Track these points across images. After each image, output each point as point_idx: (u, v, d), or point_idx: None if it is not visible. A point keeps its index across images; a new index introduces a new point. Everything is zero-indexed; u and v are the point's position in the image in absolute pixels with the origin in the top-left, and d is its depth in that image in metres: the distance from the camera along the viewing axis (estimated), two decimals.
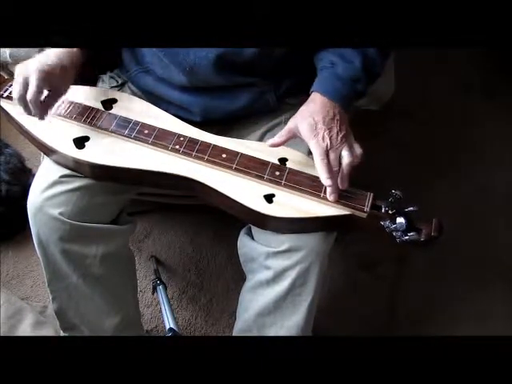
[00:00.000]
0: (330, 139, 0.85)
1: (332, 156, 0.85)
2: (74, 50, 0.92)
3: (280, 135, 0.89)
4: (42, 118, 0.91)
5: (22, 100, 0.88)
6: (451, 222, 0.89)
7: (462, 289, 1.45)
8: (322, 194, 0.87)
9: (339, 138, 0.85)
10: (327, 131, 0.85)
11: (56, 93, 0.92)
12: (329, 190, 0.86)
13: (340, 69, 0.90)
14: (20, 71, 0.88)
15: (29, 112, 0.90)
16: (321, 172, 0.84)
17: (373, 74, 0.93)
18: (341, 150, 0.85)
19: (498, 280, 1.47)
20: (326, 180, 0.84)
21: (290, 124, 0.88)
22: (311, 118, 0.86)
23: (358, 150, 0.87)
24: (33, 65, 0.87)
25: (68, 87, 0.93)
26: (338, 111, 0.88)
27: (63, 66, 0.90)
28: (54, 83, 0.89)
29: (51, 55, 0.90)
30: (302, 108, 0.89)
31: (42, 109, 0.90)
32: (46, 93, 0.90)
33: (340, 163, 0.85)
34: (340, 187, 0.86)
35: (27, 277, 1.44)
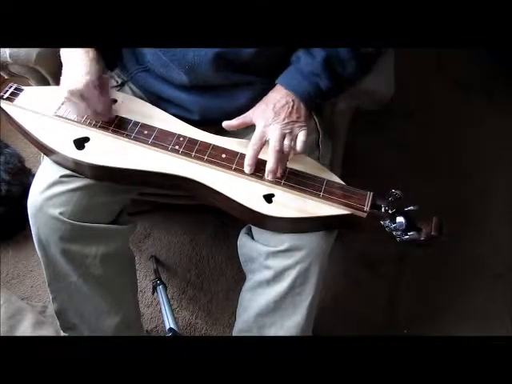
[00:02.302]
0: (274, 123, 0.88)
1: (272, 137, 0.87)
2: (97, 59, 0.93)
3: (237, 119, 0.93)
4: (110, 117, 0.95)
5: (95, 115, 0.92)
6: (451, 221, 0.89)
7: (462, 289, 1.45)
8: (321, 194, 0.87)
9: (284, 123, 0.88)
10: (273, 116, 0.88)
11: (104, 89, 0.93)
12: (266, 168, 0.87)
13: (302, 62, 0.93)
14: (71, 95, 0.89)
15: (99, 119, 0.94)
16: (246, 157, 0.89)
17: (339, 73, 0.93)
18: (283, 134, 0.87)
19: (498, 280, 1.47)
20: (246, 166, 0.89)
21: (249, 111, 0.92)
22: (264, 104, 0.91)
23: (301, 137, 0.88)
24: (78, 82, 0.88)
25: (109, 88, 0.95)
26: (292, 100, 0.90)
27: (99, 76, 0.91)
28: (99, 85, 0.91)
29: (86, 73, 0.89)
30: (264, 97, 0.93)
31: (108, 109, 0.94)
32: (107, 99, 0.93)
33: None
34: (267, 166, 0.87)
35: (27, 277, 1.44)
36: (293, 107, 0.90)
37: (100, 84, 0.90)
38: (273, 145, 0.86)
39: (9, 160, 1.48)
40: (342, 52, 0.92)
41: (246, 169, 0.89)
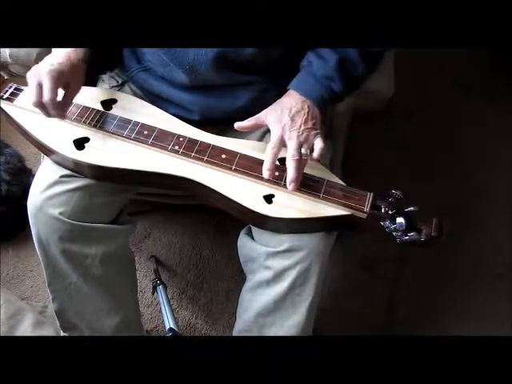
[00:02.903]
0: (291, 130, 0.87)
1: (289, 146, 0.86)
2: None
3: (249, 120, 0.91)
4: (62, 117, 0.92)
5: (40, 104, 0.88)
6: (451, 221, 0.89)
7: (462, 289, 1.45)
8: (321, 195, 0.87)
9: (301, 131, 0.87)
10: (290, 122, 0.87)
11: (71, 90, 0.92)
12: (287, 178, 0.85)
13: (314, 67, 0.92)
14: (31, 77, 0.88)
15: (48, 114, 0.90)
16: (265, 162, 0.87)
17: (351, 75, 0.93)
18: (300, 142, 0.86)
19: (498, 280, 1.47)
20: (264, 171, 0.86)
21: (262, 113, 0.91)
22: (280, 109, 0.90)
23: (319, 144, 0.87)
24: (43, 68, 0.87)
25: (81, 83, 0.94)
26: (308, 106, 0.90)
27: (72, 63, 0.90)
28: (66, 81, 0.90)
29: (59, 55, 0.90)
30: (277, 101, 0.92)
31: (60, 109, 0.90)
32: (61, 92, 0.90)
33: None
34: (288, 176, 0.85)
35: (27, 277, 1.44)
36: (308, 113, 0.89)
37: (63, 80, 0.88)
38: (291, 153, 0.85)
39: (9, 160, 1.48)
40: (352, 54, 0.92)
41: (266, 174, 0.86)
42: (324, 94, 0.92)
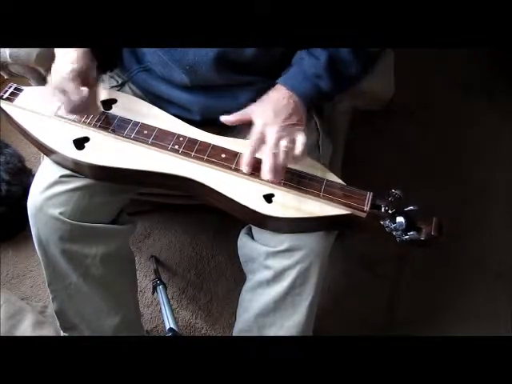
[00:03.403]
0: (273, 124, 0.86)
1: (269, 138, 0.85)
2: (88, 52, 0.92)
3: (235, 114, 0.91)
4: (97, 112, 0.93)
5: (75, 107, 0.89)
6: (451, 221, 0.89)
7: (462, 289, 1.45)
8: (321, 194, 0.87)
9: (283, 125, 0.86)
10: (273, 116, 0.87)
11: (93, 85, 0.91)
12: (262, 168, 0.85)
13: (305, 63, 0.92)
14: (51, 90, 0.88)
15: (86, 112, 0.92)
16: (244, 156, 0.87)
17: (341, 74, 0.93)
18: (281, 136, 0.85)
19: (498, 280, 1.47)
20: (244, 166, 0.87)
21: (248, 107, 0.91)
22: (264, 103, 0.90)
23: (301, 139, 0.85)
24: (60, 76, 0.87)
25: (97, 78, 0.93)
26: (293, 101, 0.89)
27: (86, 68, 0.90)
28: (85, 78, 0.89)
29: (71, 62, 0.89)
30: (264, 95, 0.92)
31: (92, 103, 0.91)
32: (85, 90, 0.89)
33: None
34: (263, 167, 0.85)
35: (27, 277, 1.44)
36: (293, 109, 0.89)
37: (82, 78, 0.88)
38: (269, 147, 0.85)
39: (9, 160, 1.48)
40: (345, 53, 0.92)
41: (244, 168, 0.87)
42: (312, 92, 0.92)
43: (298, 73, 0.93)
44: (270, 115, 0.87)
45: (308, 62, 0.92)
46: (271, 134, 0.85)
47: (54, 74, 0.88)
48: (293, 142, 0.85)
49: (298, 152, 0.85)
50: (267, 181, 0.86)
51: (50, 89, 0.89)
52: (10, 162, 1.47)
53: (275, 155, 0.84)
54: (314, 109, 1.07)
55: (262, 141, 0.86)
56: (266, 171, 0.84)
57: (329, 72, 0.91)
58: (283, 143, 0.84)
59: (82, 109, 0.90)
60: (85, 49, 0.90)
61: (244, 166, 0.87)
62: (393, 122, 1.77)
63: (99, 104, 0.94)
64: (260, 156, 0.87)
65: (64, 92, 0.87)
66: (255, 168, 0.89)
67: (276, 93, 0.91)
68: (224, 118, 0.91)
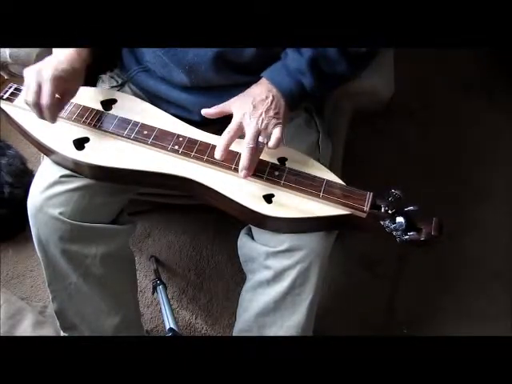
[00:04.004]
0: (251, 117, 0.86)
1: (247, 133, 0.85)
2: (83, 51, 0.92)
3: (215, 107, 0.91)
4: (54, 121, 0.91)
5: (37, 106, 0.87)
6: (451, 221, 0.89)
7: (462, 289, 1.45)
8: (321, 194, 0.87)
9: (260, 119, 0.86)
10: (251, 109, 0.87)
11: (68, 96, 0.91)
12: (240, 165, 0.86)
13: (289, 59, 0.92)
14: (31, 76, 0.87)
15: (41, 116, 0.89)
16: (219, 143, 0.87)
17: (325, 72, 0.93)
18: (258, 131, 0.86)
19: (497, 280, 1.47)
20: (217, 152, 0.86)
21: (229, 101, 0.91)
22: (244, 97, 0.90)
23: (276, 134, 0.86)
24: (46, 71, 0.86)
25: (78, 89, 0.93)
26: (273, 95, 0.89)
27: (75, 69, 0.90)
28: (66, 87, 0.89)
29: (63, 60, 0.89)
30: (247, 89, 0.92)
31: (53, 113, 0.89)
32: (57, 96, 0.89)
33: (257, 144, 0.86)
34: (241, 163, 0.85)
35: (27, 277, 1.44)
36: (272, 102, 0.89)
37: (64, 80, 0.87)
38: (247, 141, 0.85)
39: (11, 162, 1.46)
40: (331, 51, 0.91)
41: (218, 155, 0.87)
42: (293, 88, 0.91)
43: (281, 67, 0.92)
44: (247, 108, 0.87)
45: (292, 58, 0.92)
46: (249, 128, 0.86)
47: (43, 66, 0.88)
48: (269, 135, 0.86)
49: (272, 146, 0.86)
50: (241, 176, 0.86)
51: (29, 74, 0.87)
52: (12, 164, 1.46)
53: (252, 149, 0.84)
54: (313, 109, 1.07)
55: (238, 132, 0.87)
56: (241, 166, 0.85)
57: (312, 69, 0.91)
58: (260, 139, 0.85)
59: (40, 110, 0.88)
60: (79, 57, 0.90)
61: (217, 153, 0.86)
62: (393, 122, 1.77)
63: (58, 116, 0.92)
64: (234, 147, 0.88)
65: (39, 88, 0.86)
66: (256, 168, 0.89)
67: (258, 87, 0.91)
68: (204, 111, 0.91)
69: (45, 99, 0.86)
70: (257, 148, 0.86)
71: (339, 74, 0.95)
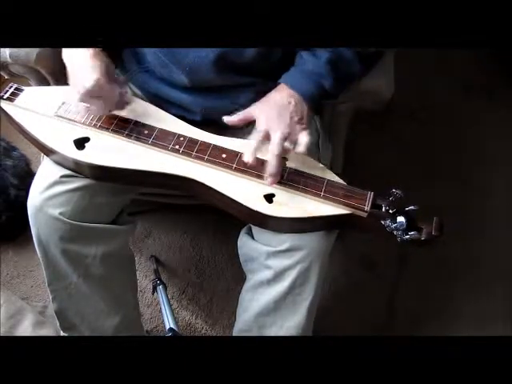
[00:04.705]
0: (276, 123, 0.86)
1: (273, 139, 0.85)
2: (103, 56, 0.91)
3: (237, 114, 0.91)
4: (123, 108, 0.93)
5: (116, 107, 0.91)
6: (451, 221, 0.89)
7: (462, 289, 1.45)
8: (322, 194, 0.87)
9: (286, 125, 0.86)
10: (276, 115, 0.87)
11: (116, 82, 0.92)
12: (267, 172, 0.86)
13: (306, 63, 0.93)
14: (86, 99, 0.88)
15: (120, 107, 0.93)
16: (247, 149, 0.86)
17: (343, 72, 0.93)
18: (284, 136, 0.85)
19: (498, 280, 1.47)
20: (246, 155, 0.86)
21: (251, 107, 0.91)
22: (267, 103, 0.90)
23: (304, 139, 0.86)
24: (87, 81, 0.86)
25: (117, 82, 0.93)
26: (295, 100, 0.90)
27: (102, 61, 0.90)
28: (110, 75, 0.90)
29: (94, 70, 0.88)
30: (267, 95, 0.92)
31: (124, 98, 0.92)
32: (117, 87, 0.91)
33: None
34: (268, 170, 0.86)
35: (27, 277, 1.44)
36: (295, 107, 0.89)
37: (110, 77, 0.89)
38: (273, 148, 0.85)
39: (17, 164, 1.45)
40: (346, 52, 0.92)
41: (246, 159, 0.87)
42: (314, 90, 0.92)
43: (300, 72, 0.93)
44: (272, 115, 0.87)
45: (309, 61, 0.93)
46: (275, 134, 0.86)
47: (78, 82, 0.87)
48: (296, 141, 0.86)
49: (300, 152, 0.86)
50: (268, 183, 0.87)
51: (78, 96, 0.88)
52: (17, 166, 1.44)
53: (278, 156, 0.84)
54: (313, 109, 1.07)
55: (266, 138, 0.87)
56: (269, 173, 0.86)
57: (331, 70, 0.92)
58: (286, 144, 0.85)
59: (121, 104, 0.92)
60: (96, 52, 0.90)
61: (247, 158, 0.86)
62: (393, 122, 1.77)
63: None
64: (261, 155, 0.88)
65: (99, 97, 0.88)
66: (256, 168, 0.89)
67: (278, 92, 0.92)
68: (227, 119, 0.91)
69: (114, 98, 0.89)
70: (281, 154, 0.85)
71: (353, 74, 0.96)
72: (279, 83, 0.93)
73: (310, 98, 0.92)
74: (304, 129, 0.88)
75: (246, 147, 0.91)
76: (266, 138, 0.87)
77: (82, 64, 0.89)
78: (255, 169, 0.90)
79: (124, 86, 0.94)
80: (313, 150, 1.01)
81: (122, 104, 0.93)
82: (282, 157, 0.92)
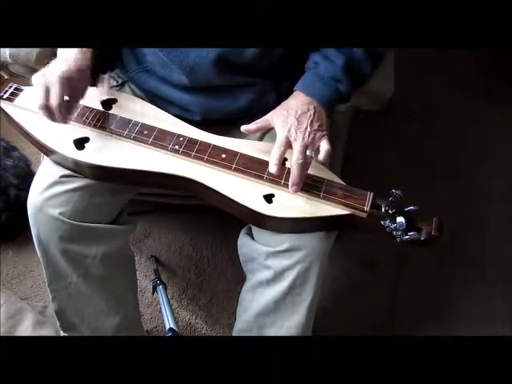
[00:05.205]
0: (297, 132, 0.86)
1: (295, 148, 0.85)
2: (87, 50, 0.92)
3: (255, 122, 0.91)
4: (66, 122, 0.91)
5: (46, 108, 0.87)
6: (451, 221, 0.89)
7: (462, 289, 1.45)
8: (321, 194, 0.87)
9: (307, 133, 0.86)
10: (296, 123, 0.87)
11: (77, 96, 0.91)
12: (290, 181, 0.85)
13: (322, 68, 0.92)
14: (38, 80, 0.87)
15: (52, 118, 0.89)
16: (271, 158, 0.86)
17: (358, 75, 0.94)
18: (306, 145, 0.85)
19: (498, 280, 1.47)
20: (271, 166, 0.85)
21: (268, 115, 0.91)
22: (285, 111, 0.89)
23: (325, 146, 0.86)
24: (52, 73, 0.87)
25: (87, 88, 0.93)
26: (314, 107, 0.89)
27: (81, 69, 0.90)
28: (74, 88, 0.89)
29: (69, 60, 0.89)
30: (283, 103, 0.92)
31: (65, 114, 0.89)
32: (66, 98, 0.89)
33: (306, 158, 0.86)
34: (291, 179, 0.85)
35: (27, 277, 1.44)
36: (314, 114, 0.88)
37: (72, 83, 0.88)
38: (296, 157, 0.84)
39: (17, 164, 1.45)
40: (358, 53, 0.92)
41: (272, 170, 0.85)
42: (331, 96, 0.92)
43: (316, 78, 0.92)
44: (292, 123, 0.87)
45: (325, 67, 0.92)
46: (297, 143, 0.85)
47: (48, 69, 0.88)
48: (317, 148, 0.86)
49: (323, 160, 0.86)
50: (293, 188, 0.86)
51: (36, 79, 0.87)
52: (17, 166, 1.45)
53: (302, 165, 0.84)
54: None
55: (288, 146, 0.86)
56: (292, 183, 0.85)
57: (346, 74, 0.91)
58: (308, 153, 0.85)
59: (52, 114, 0.89)
60: (84, 58, 0.90)
61: (272, 168, 0.85)
62: (393, 122, 1.77)
63: (70, 117, 0.93)
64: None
65: (47, 91, 0.86)
66: (256, 168, 0.89)
67: (295, 99, 0.91)
68: (244, 128, 0.91)
69: (54, 101, 0.86)
70: (306, 162, 0.85)
71: (366, 75, 0.96)
72: (295, 90, 0.93)
73: (328, 103, 0.91)
74: (324, 136, 0.88)
75: (246, 148, 0.91)
76: (288, 145, 0.86)
77: (64, 58, 0.89)
78: (255, 169, 0.90)
79: (75, 103, 0.92)
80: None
81: (53, 115, 0.89)
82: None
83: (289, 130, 0.86)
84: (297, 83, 0.94)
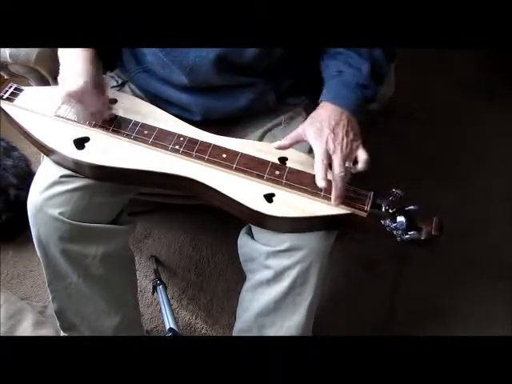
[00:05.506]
0: (334, 144, 0.85)
1: (335, 161, 0.84)
2: (88, 50, 0.92)
3: (287, 138, 0.90)
4: (107, 117, 0.95)
5: (93, 116, 0.93)
6: (451, 221, 0.89)
7: (462, 289, 1.45)
8: (322, 194, 0.87)
9: (344, 144, 0.85)
10: (332, 135, 0.85)
11: (104, 90, 0.93)
12: (333, 195, 0.85)
13: (348, 76, 0.91)
14: (69, 98, 0.90)
15: (98, 119, 0.94)
16: (317, 173, 0.84)
17: (380, 77, 0.94)
18: (345, 156, 0.84)
19: (498, 280, 1.47)
20: (320, 181, 0.84)
21: (299, 129, 0.89)
22: (318, 123, 0.87)
23: (363, 156, 0.86)
24: (76, 84, 0.88)
25: (104, 79, 0.96)
26: (346, 117, 0.88)
27: (94, 67, 0.91)
28: (99, 84, 0.91)
29: (78, 65, 0.90)
30: (312, 114, 0.90)
31: (106, 110, 0.94)
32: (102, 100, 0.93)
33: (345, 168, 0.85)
34: (334, 193, 0.85)
35: (27, 277, 1.44)
36: (348, 124, 0.87)
37: (96, 85, 0.90)
38: (338, 170, 0.83)
39: (17, 164, 1.45)
40: (378, 56, 0.92)
41: (320, 184, 0.84)
42: (360, 103, 0.90)
43: (342, 87, 0.91)
44: (328, 135, 0.85)
45: (350, 74, 0.91)
46: (336, 156, 0.84)
47: (68, 84, 0.89)
48: (355, 159, 0.86)
49: (361, 169, 0.86)
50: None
51: (63, 96, 0.90)
52: (17, 166, 1.45)
53: (344, 177, 0.83)
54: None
55: (329, 159, 0.85)
56: (335, 197, 0.85)
57: (372, 80, 0.91)
58: (347, 164, 0.84)
59: (99, 116, 0.93)
60: (89, 56, 0.91)
61: (320, 183, 0.84)
62: (393, 122, 1.77)
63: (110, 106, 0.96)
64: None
65: (81, 100, 0.90)
66: (256, 168, 0.89)
67: (325, 110, 0.89)
68: (277, 145, 0.90)
69: (95, 106, 0.91)
70: (346, 174, 0.84)
71: (385, 75, 0.96)
72: (321, 101, 0.91)
73: (358, 111, 0.90)
74: (359, 145, 0.87)
75: (246, 147, 0.91)
76: (329, 157, 0.85)
77: (73, 66, 0.90)
78: (255, 168, 0.90)
79: (107, 96, 0.95)
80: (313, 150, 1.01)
81: (102, 114, 0.94)
82: (282, 157, 0.93)
83: (326, 143, 0.84)
84: (322, 93, 0.92)
